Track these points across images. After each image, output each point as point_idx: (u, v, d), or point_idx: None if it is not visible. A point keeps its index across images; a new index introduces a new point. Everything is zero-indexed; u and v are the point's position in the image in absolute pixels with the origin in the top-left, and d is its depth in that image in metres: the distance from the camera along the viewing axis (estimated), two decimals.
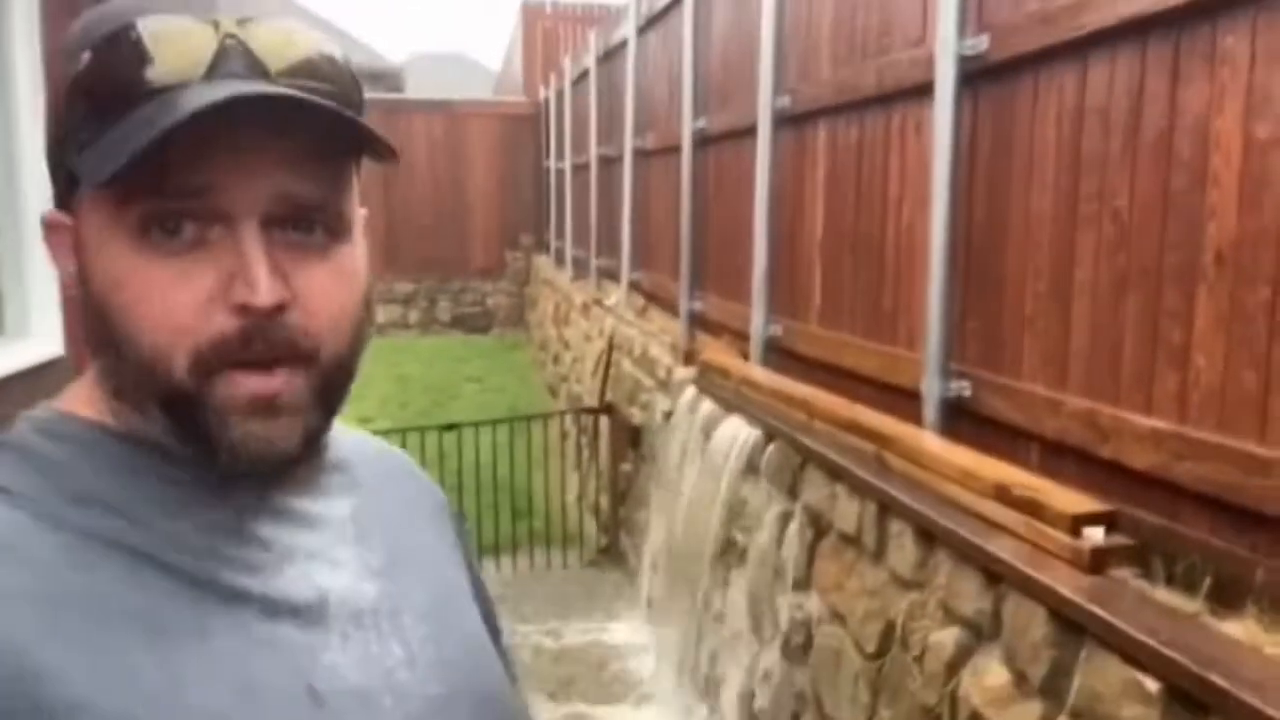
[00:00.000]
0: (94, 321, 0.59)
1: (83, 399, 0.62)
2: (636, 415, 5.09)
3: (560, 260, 10.34)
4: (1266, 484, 1.56)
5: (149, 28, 0.55)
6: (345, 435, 0.71)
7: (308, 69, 0.58)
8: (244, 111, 0.54)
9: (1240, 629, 1.56)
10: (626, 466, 5.22)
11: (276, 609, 0.58)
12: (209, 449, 0.58)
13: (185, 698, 0.53)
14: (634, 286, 6.44)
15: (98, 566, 0.54)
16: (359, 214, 0.64)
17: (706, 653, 3.64)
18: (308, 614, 0.59)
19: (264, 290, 0.56)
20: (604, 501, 5.56)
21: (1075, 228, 2.08)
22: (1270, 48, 1.58)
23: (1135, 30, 1.87)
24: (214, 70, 0.55)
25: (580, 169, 9.04)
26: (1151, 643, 1.50)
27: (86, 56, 0.56)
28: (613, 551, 5.39)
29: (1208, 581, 1.66)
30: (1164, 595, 1.70)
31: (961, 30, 2.37)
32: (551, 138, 11.31)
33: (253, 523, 0.60)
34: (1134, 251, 1.91)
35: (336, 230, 0.60)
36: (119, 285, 0.57)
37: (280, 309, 0.56)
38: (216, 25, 0.56)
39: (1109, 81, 1.96)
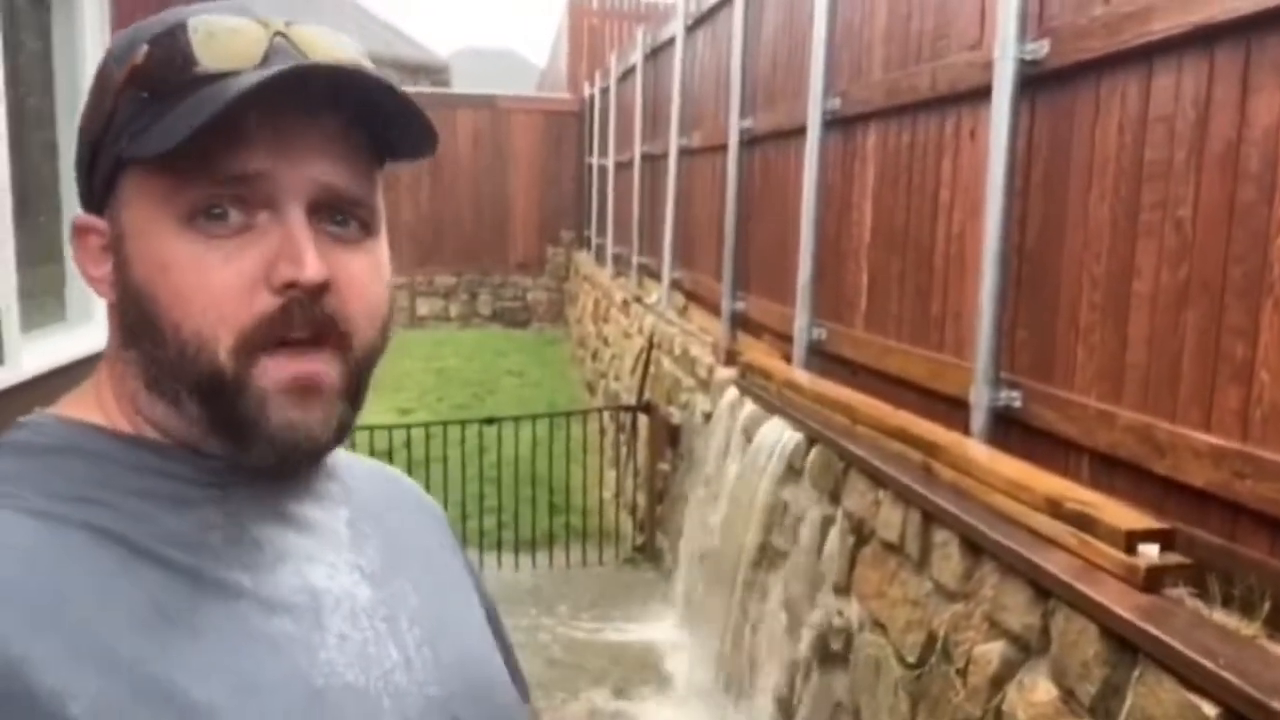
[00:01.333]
0: (133, 310, 0.59)
1: (80, 404, 0.63)
2: (676, 414, 5.08)
3: (601, 257, 10.36)
4: None
5: (204, 24, 0.58)
6: (343, 454, 0.72)
7: (351, 65, 0.60)
8: (300, 89, 0.56)
9: None
10: (664, 465, 5.22)
11: (272, 606, 0.58)
12: (244, 437, 0.58)
13: (180, 689, 0.52)
14: (675, 285, 6.43)
15: (90, 560, 0.55)
16: (383, 214, 0.66)
17: (743, 655, 3.63)
18: (303, 612, 0.60)
19: (310, 266, 0.57)
20: (641, 499, 5.56)
21: (1135, 238, 2.04)
22: None
23: (1203, 38, 1.83)
24: (265, 63, 0.58)
25: (623, 166, 9.04)
26: (1209, 665, 1.47)
27: (144, 49, 0.58)
28: (649, 550, 5.39)
29: (1267, 605, 1.62)
30: (1221, 617, 1.67)
31: (1021, 35, 2.33)
32: (595, 134, 11.32)
33: (249, 523, 0.61)
34: (1197, 263, 1.87)
35: (370, 225, 0.63)
36: (164, 269, 0.58)
37: (324, 288, 0.58)
38: (265, 24, 0.59)
39: (1175, 90, 1.92)
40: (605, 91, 10.45)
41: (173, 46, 0.57)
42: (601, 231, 10.47)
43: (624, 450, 5.93)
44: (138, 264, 0.59)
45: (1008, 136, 2.40)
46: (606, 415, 6.41)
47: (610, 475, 5.99)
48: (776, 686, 3.24)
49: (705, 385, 4.62)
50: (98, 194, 0.61)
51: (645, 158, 7.85)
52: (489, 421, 5.32)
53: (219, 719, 0.53)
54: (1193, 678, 1.50)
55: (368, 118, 0.61)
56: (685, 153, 6.26)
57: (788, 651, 3.20)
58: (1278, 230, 1.67)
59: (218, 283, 0.57)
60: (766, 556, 3.49)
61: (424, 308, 12.94)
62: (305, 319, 0.58)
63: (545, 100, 14.65)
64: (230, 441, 0.59)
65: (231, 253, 0.57)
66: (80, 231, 0.63)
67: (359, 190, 0.61)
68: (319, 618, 0.60)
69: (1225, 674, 1.44)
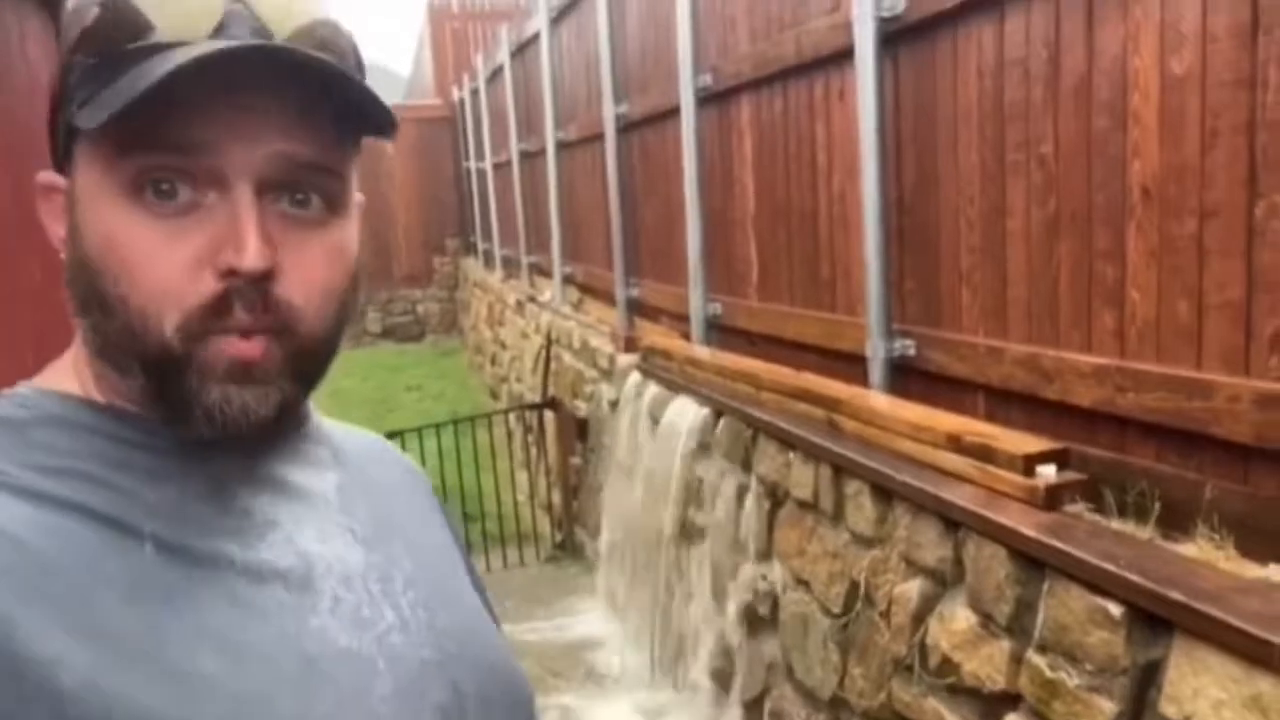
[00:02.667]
0: (83, 279, 0.59)
1: (60, 375, 0.62)
2: (582, 407, 5.07)
3: (489, 261, 10.25)
4: (1208, 406, 1.62)
5: None
6: (328, 422, 0.72)
7: (311, 35, 0.58)
8: (246, 68, 0.54)
9: (1193, 548, 1.61)
10: (576, 460, 5.20)
11: (261, 573, 0.58)
12: (185, 411, 0.58)
13: (168, 659, 0.52)
14: (568, 280, 6.41)
15: (74, 534, 0.54)
16: (356, 194, 0.65)
17: (673, 634, 3.65)
18: (293, 578, 0.59)
19: (251, 254, 0.56)
20: (556, 497, 5.53)
21: (1004, 178, 2.13)
22: None
23: None
24: (219, 32, 0.56)
25: (502, 167, 8.96)
26: (1111, 569, 1.55)
27: (94, 12, 0.56)
28: (569, 546, 5.37)
29: (1158, 507, 1.72)
30: (1118, 524, 1.76)
31: None
32: (469, 138, 11.19)
33: (235, 490, 0.60)
34: (1063, 195, 1.96)
35: (335, 200, 0.60)
36: (111, 244, 0.57)
37: (266, 276, 0.57)
38: None
39: (1026, 31, 2.01)
40: (475, 93, 10.33)
41: (122, 10, 0.56)
42: (487, 235, 10.36)
43: (533, 450, 5.88)
44: (86, 232, 0.58)
45: (875, 94, 2.47)
46: (513, 417, 6.35)
47: (522, 477, 5.93)
48: (710, 659, 3.27)
49: (608, 375, 4.62)
50: (60, 154, 0.61)
51: (523, 156, 7.79)
52: (391, 435, 5.19)
53: (211, 690, 0.52)
54: (1098, 582, 1.57)
55: (327, 92, 0.58)
56: (563, 146, 6.25)
57: (717, 624, 3.23)
58: (1133, 155, 1.76)
59: (163, 263, 0.56)
60: (686, 534, 3.51)
61: None
62: (246, 306, 0.57)
63: (414, 108, 14.37)
64: (170, 413, 0.58)
65: (177, 232, 0.56)
66: (43, 190, 0.62)
67: (319, 155, 0.59)
68: (311, 582, 0.60)
69: (1127, 574, 1.52)
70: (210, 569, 0.56)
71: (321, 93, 0.58)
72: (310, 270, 0.59)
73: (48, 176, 0.61)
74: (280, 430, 0.62)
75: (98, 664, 0.50)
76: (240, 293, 0.56)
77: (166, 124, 0.55)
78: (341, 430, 0.73)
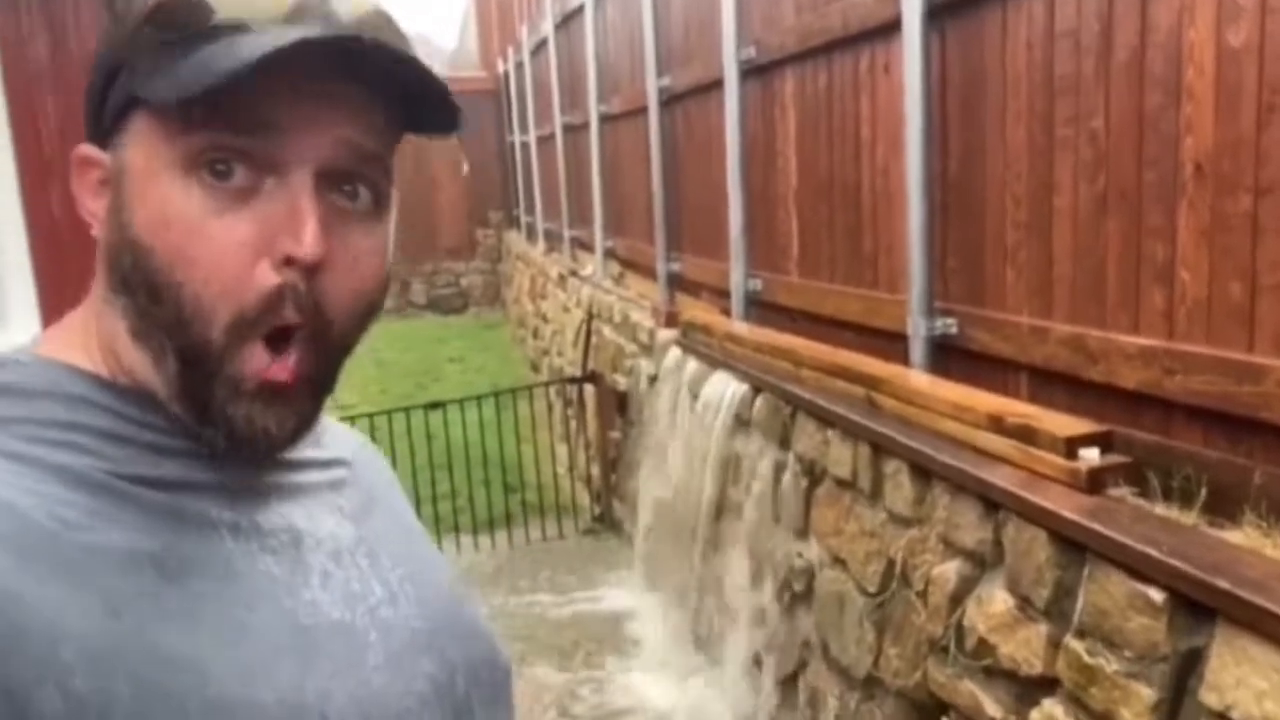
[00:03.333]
0: (129, 258, 0.57)
1: (62, 344, 0.61)
2: (622, 382, 5.08)
3: (532, 234, 10.27)
4: (1258, 391, 1.58)
5: None
6: None
7: (376, 21, 0.58)
8: (325, 57, 0.55)
9: (1239, 535, 1.58)
10: (615, 434, 5.22)
11: (253, 546, 0.59)
12: (207, 420, 0.57)
13: (168, 629, 0.52)
14: (609, 254, 6.41)
15: (72, 504, 0.54)
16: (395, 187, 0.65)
17: (708, 610, 3.67)
18: (285, 551, 0.60)
19: (310, 241, 0.55)
20: (595, 470, 5.56)
21: (1052, 154, 2.08)
22: None
23: None
24: (292, 16, 0.56)
25: (546, 140, 8.95)
26: (1154, 554, 1.52)
27: None
28: (607, 519, 5.40)
29: (1203, 493, 1.68)
30: (1162, 509, 1.72)
31: None
32: (514, 111, 11.19)
33: (225, 467, 0.60)
34: (1113, 172, 1.91)
35: (381, 194, 0.60)
36: (166, 223, 0.56)
37: (319, 267, 0.56)
38: None
39: (1077, 2, 1.95)
40: (520, 66, 10.31)
41: None
42: (530, 209, 10.38)
43: (573, 423, 5.92)
44: (136, 207, 0.57)
45: (921, 67, 2.42)
46: (553, 390, 6.38)
47: (562, 450, 5.97)
48: (745, 636, 3.28)
49: (648, 349, 4.62)
50: (106, 126, 0.60)
51: (567, 129, 7.78)
52: (434, 406, 5.26)
53: (207, 662, 0.53)
54: (1140, 568, 1.55)
55: (389, 84, 0.59)
56: (606, 119, 6.22)
57: (753, 600, 3.24)
58: (1186, 131, 1.71)
59: (218, 248, 0.55)
60: (724, 510, 3.52)
61: None
62: (298, 305, 0.56)
63: (459, 80, 14.36)
64: (192, 414, 0.58)
65: (232, 214, 0.55)
66: (81, 163, 0.61)
67: (377, 148, 0.59)
68: (301, 556, 0.60)
69: (1170, 560, 1.49)
70: (206, 541, 0.57)
71: (388, 84, 0.58)
72: (354, 264, 0.59)
73: (87, 150, 0.61)
74: (282, 449, 0.62)
75: (100, 635, 0.50)
76: (294, 290, 0.56)
77: (236, 104, 0.54)
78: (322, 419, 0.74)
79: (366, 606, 0.61)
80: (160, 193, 0.56)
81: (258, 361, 0.56)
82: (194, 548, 0.56)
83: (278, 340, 0.57)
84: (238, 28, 0.55)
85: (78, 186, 0.61)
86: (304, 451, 0.66)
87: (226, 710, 0.52)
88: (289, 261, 0.55)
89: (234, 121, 0.55)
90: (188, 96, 0.53)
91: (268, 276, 0.55)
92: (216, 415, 0.57)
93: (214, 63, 0.53)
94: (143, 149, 0.57)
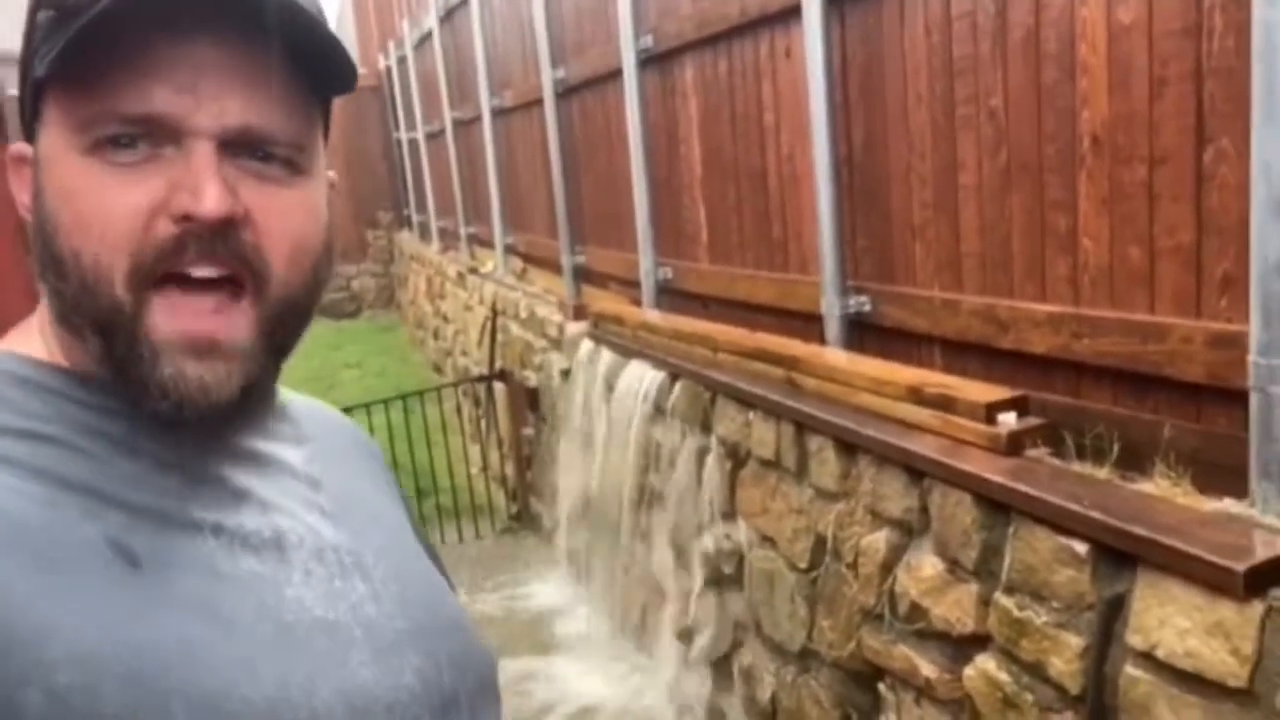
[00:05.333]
0: (41, 239, 0.58)
1: (24, 339, 0.61)
2: (532, 378, 5.04)
3: (426, 234, 10.07)
4: (1162, 349, 1.68)
5: None
6: (286, 393, 0.72)
7: None
8: (195, 6, 0.54)
9: (1151, 486, 1.67)
10: (528, 430, 5.18)
11: (235, 544, 0.58)
12: (140, 385, 0.56)
13: (152, 626, 0.52)
14: (510, 249, 6.34)
15: (52, 503, 0.54)
16: (323, 157, 0.64)
17: (636, 600, 3.68)
18: (267, 550, 0.60)
19: (210, 199, 0.55)
20: (509, 469, 5.51)
21: (954, 132, 2.15)
22: None
23: None
24: None
25: (435, 136, 8.79)
26: (1075, 508, 1.60)
27: None
28: (524, 517, 5.36)
29: (1116, 449, 1.78)
30: (1078, 467, 1.81)
31: None
32: (399, 107, 10.94)
33: (208, 461, 0.60)
34: (1013, 147, 1.99)
35: (297, 164, 0.60)
36: (68, 197, 0.56)
37: (229, 223, 0.55)
38: None
39: None
40: (402, 61, 10.08)
41: None
42: (422, 207, 10.17)
43: (483, 423, 5.84)
44: (45, 191, 0.58)
45: (823, 51, 2.47)
46: (460, 390, 6.28)
47: (473, 450, 5.89)
48: (676, 620, 3.31)
49: (557, 344, 4.60)
50: (29, 121, 0.60)
51: (457, 124, 7.65)
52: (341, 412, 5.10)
53: (192, 659, 0.53)
54: (1062, 523, 1.63)
55: (282, 49, 0.58)
56: (499, 113, 6.14)
57: (681, 585, 3.27)
58: (1082, 105, 1.80)
59: (116, 208, 0.55)
60: (646, 498, 3.53)
61: None
62: (206, 251, 0.55)
63: None
64: (127, 386, 0.57)
65: (133, 180, 0.55)
66: (14, 161, 0.61)
67: (282, 128, 0.58)
68: (284, 554, 0.60)
69: (1091, 513, 1.57)
70: (188, 539, 0.57)
71: (273, 43, 0.57)
72: (280, 222, 0.58)
73: (19, 147, 0.61)
74: (248, 406, 0.61)
75: (83, 633, 0.50)
76: (196, 237, 0.55)
77: (128, 89, 0.54)
78: (299, 400, 0.73)
79: (349, 604, 0.61)
80: (63, 173, 0.56)
81: (174, 317, 0.56)
82: (177, 547, 0.56)
83: (204, 297, 0.56)
84: None
85: (14, 184, 0.61)
86: (283, 448, 0.66)
87: (212, 707, 0.52)
88: (188, 218, 0.55)
89: (126, 108, 0.55)
90: (52, 58, 0.53)
91: (164, 227, 0.55)
92: (149, 380, 0.56)
93: (86, 23, 0.53)
94: (51, 135, 0.57)
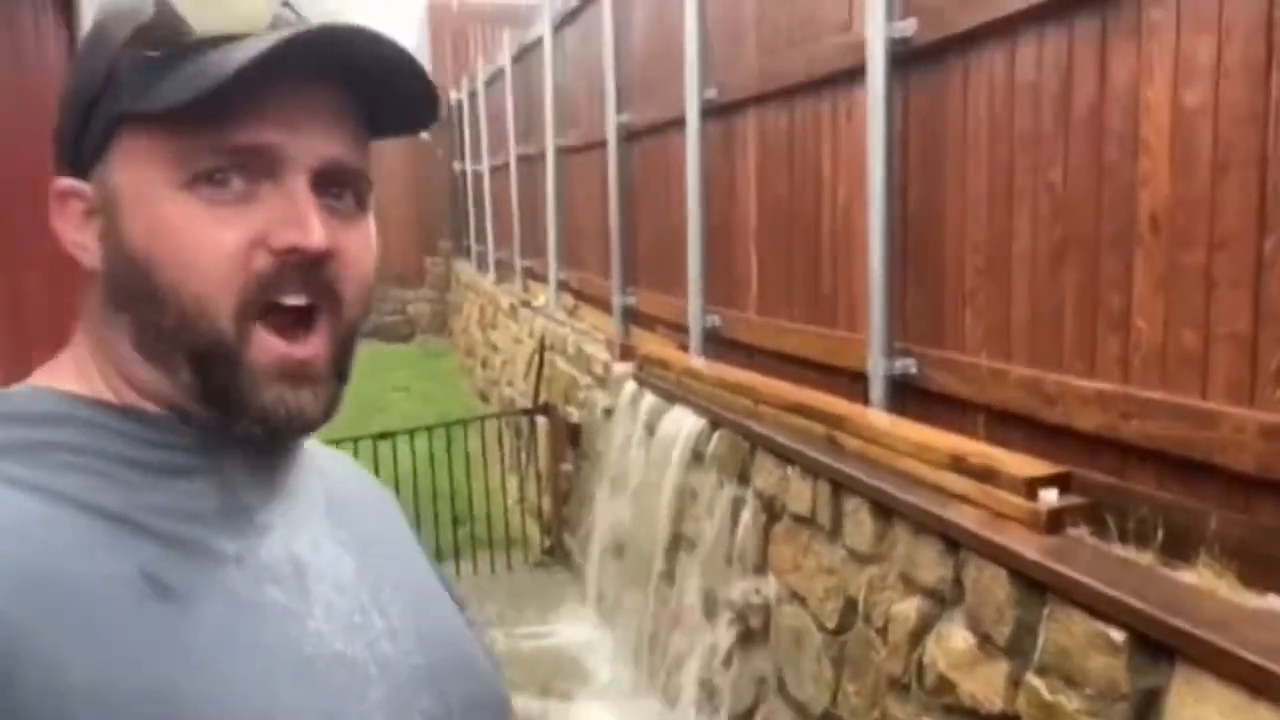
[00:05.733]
0: (128, 275, 0.59)
1: (64, 374, 0.62)
2: (574, 414, 5.06)
3: (482, 264, 10.23)
4: (1213, 436, 1.64)
5: None
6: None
7: (348, 28, 0.60)
8: (306, 57, 0.57)
9: (1194, 576, 1.63)
10: (566, 466, 5.19)
11: (260, 575, 0.59)
12: (238, 411, 0.58)
13: (170, 657, 0.52)
14: (563, 285, 6.41)
15: (76, 530, 0.54)
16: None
17: (662, 645, 3.65)
18: (290, 581, 0.60)
19: (316, 232, 0.57)
20: (545, 503, 5.52)
21: (1011, 202, 2.14)
22: (1195, 17, 1.65)
23: (1061, 7, 1.94)
24: (272, 28, 0.58)
25: (499, 170, 8.95)
26: (1114, 594, 1.56)
27: (150, 7, 0.58)
28: (557, 552, 5.35)
29: (1160, 534, 1.73)
30: (1119, 550, 1.77)
31: (890, 15, 2.42)
32: (465, 140, 11.17)
33: (239, 492, 0.61)
34: (1070, 222, 1.98)
35: (364, 198, 0.63)
36: (164, 233, 0.57)
37: (327, 256, 0.58)
38: None
39: (1038, 58, 2.03)
40: (473, 95, 10.32)
41: (179, 6, 0.57)
42: (481, 238, 10.34)
43: (524, 455, 5.87)
44: (134, 226, 0.58)
45: (884, 114, 2.48)
46: (503, 421, 6.33)
47: (512, 482, 5.92)
48: (699, 671, 3.27)
49: (602, 382, 4.62)
50: (86, 157, 0.60)
51: (521, 159, 7.79)
52: (383, 436, 5.17)
53: (211, 691, 0.53)
54: (1100, 607, 1.59)
55: (365, 87, 0.61)
56: (563, 152, 6.25)
57: (707, 636, 3.23)
58: (1142, 184, 1.78)
59: (218, 246, 0.57)
60: (679, 545, 3.51)
61: None
62: (302, 281, 0.58)
63: None
64: (220, 412, 0.59)
65: (232, 217, 0.57)
66: (61, 195, 0.61)
67: (358, 161, 0.62)
68: (305, 587, 0.61)
69: (1130, 600, 1.53)
70: (213, 568, 0.57)
71: (367, 84, 0.60)
72: (354, 256, 0.61)
73: (66, 183, 0.61)
74: (323, 425, 0.63)
75: (104, 662, 0.50)
76: (296, 267, 0.57)
77: (229, 122, 0.56)
78: (315, 444, 0.74)
79: (366, 640, 0.61)
80: (156, 208, 0.57)
81: (274, 344, 0.58)
82: (200, 577, 0.56)
83: (294, 325, 0.59)
84: (220, 41, 0.56)
85: (59, 220, 0.62)
86: (309, 481, 0.67)
87: None
88: (294, 251, 0.57)
89: (228, 140, 0.56)
90: (182, 100, 0.54)
91: (266, 261, 0.57)
92: (248, 404, 0.58)
93: (202, 73, 0.55)
94: (133, 170, 0.58)
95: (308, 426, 0.60)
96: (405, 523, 0.79)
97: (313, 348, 0.59)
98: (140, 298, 0.58)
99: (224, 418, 0.59)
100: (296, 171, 0.58)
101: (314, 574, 0.62)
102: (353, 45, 0.58)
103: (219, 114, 0.56)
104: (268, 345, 0.58)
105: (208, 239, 0.57)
